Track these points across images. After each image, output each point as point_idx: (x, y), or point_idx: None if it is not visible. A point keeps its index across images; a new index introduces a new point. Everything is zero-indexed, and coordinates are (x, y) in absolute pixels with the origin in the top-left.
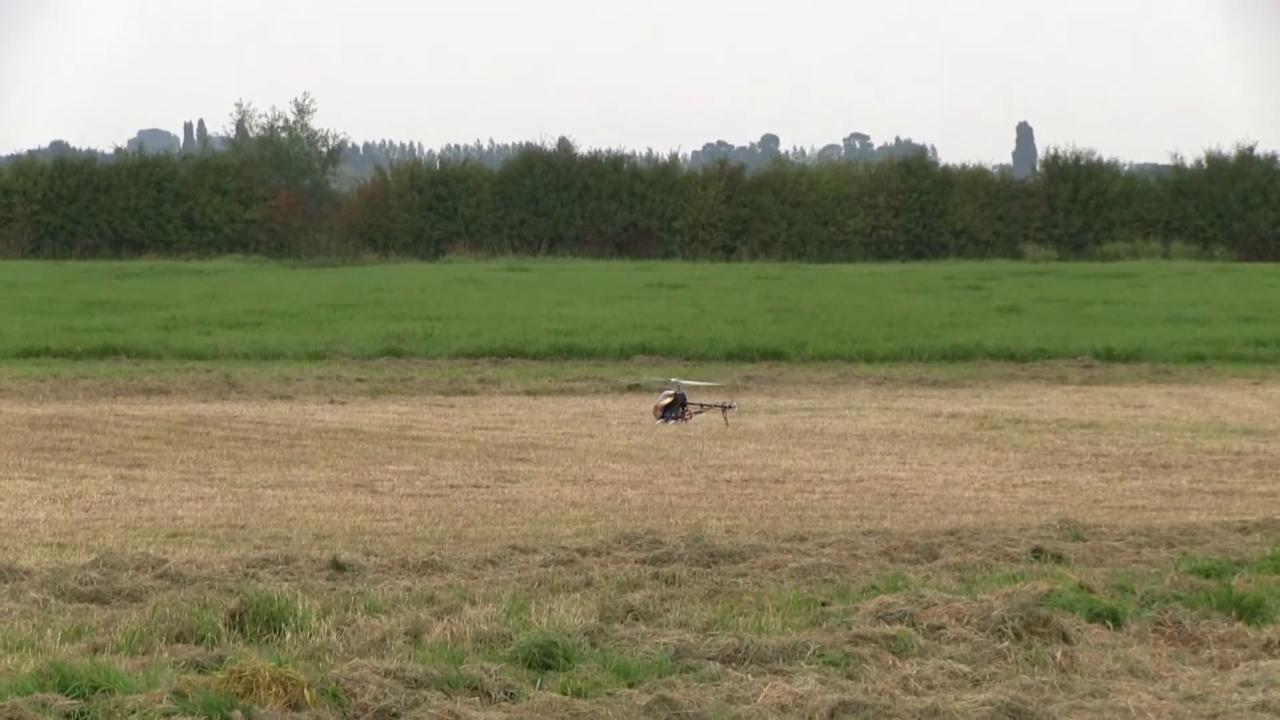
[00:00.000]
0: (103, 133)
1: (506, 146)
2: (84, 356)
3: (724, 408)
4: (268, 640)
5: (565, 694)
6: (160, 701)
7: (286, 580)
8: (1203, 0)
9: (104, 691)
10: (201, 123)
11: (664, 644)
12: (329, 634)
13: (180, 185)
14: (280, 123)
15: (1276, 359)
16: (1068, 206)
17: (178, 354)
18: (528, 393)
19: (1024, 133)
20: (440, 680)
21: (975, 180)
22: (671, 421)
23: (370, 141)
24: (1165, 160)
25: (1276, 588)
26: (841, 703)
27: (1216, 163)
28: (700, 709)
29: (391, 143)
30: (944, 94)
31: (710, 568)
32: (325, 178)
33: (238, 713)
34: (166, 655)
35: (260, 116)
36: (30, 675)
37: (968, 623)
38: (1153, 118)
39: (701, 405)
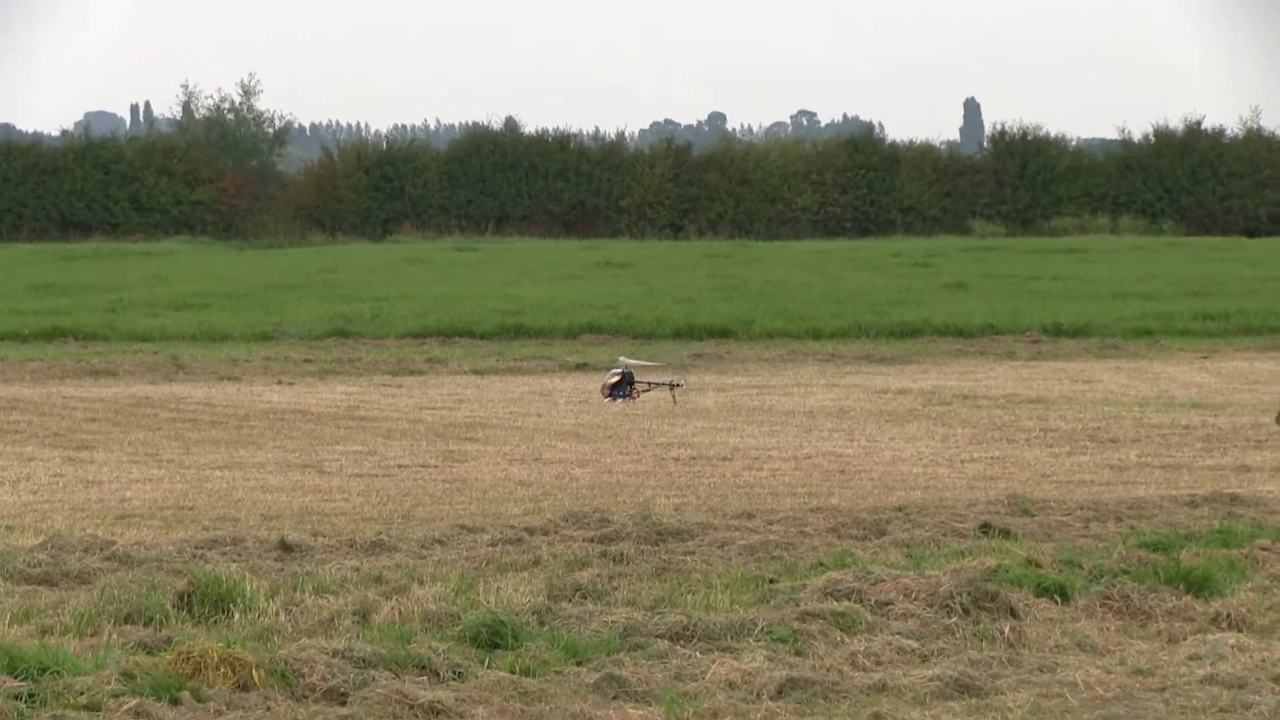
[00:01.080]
0: (49, 115)
1: (453, 126)
2: (31, 339)
3: (672, 386)
4: (216, 621)
5: (514, 673)
6: (109, 683)
7: (235, 561)
8: None
9: (52, 673)
10: (148, 105)
11: (612, 622)
12: (277, 614)
13: (127, 167)
14: (226, 104)
15: (1224, 333)
16: (1015, 182)
17: (125, 336)
18: (475, 372)
19: (971, 108)
20: (389, 660)
21: (922, 157)
22: (619, 400)
23: (317, 122)
24: (1113, 134)
25: (1224, 561)
26: (790, 679)
27: (1164, 137)
28: (648, 686)
29: (338, 123)
30: (891, 71)
31: (658, 546)
32: (272, 159)
33: (186, 693)
34: (115, 637)
35: (206, 98)
36: None
37: (916, 599)
38: (1100, 92)
39: (649, 384)
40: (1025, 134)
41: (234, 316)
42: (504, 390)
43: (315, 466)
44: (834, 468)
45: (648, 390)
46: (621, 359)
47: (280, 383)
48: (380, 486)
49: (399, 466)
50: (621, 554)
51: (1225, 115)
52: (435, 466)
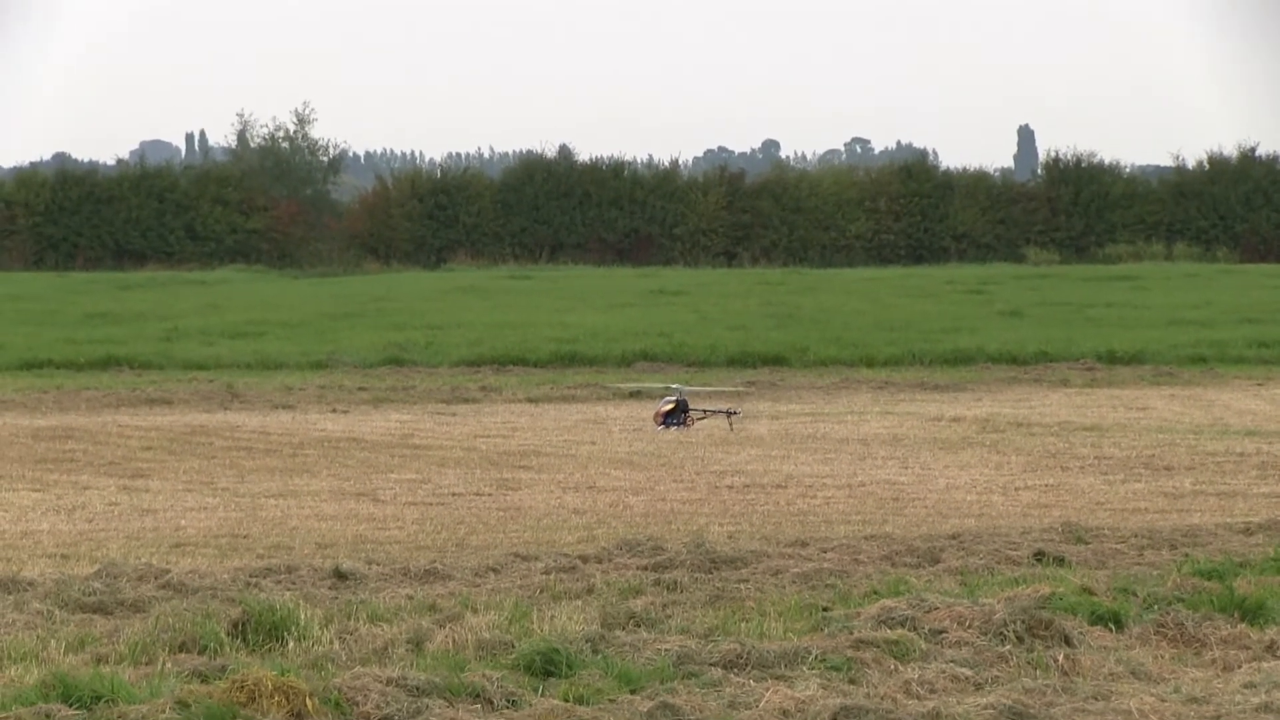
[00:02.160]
0: (104, 144)
1: (507, 154)
2: (86, 368)
3: (728, 414)
4: (270, 649)
5: (567, 701)
6: (163, 711)
7: (289, 589)
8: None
9: (107, 702)
10: (203, 133)
11: (666, 650)
12: (331, 643)
13: (182, 196)
14: (281, 133)
15: (1279, 360)
16: (1069, 209)
17: (180, 364)
18: (529, 400)
19: (1025, 135)
20: (442, 688)
21: (976, 184)
22: (673, 428)
23: (371, 150)
24: (1167, 162)
25: (1279, 589)
26: (843, 707)
27: (1218, 164)
28: (702, 715)
29: (393, 151)
30: (945, 97)
31: (712, 574)
32: (326, 187)
33: None
34: (169, 665)
35: (261, 127)
36: (34, 686)
37: (970, 626)
38: (1154, 119)
39: (705, 411)
40: (1079, 161)
41: (288, 345)
42: (558, 418)
43: (369, 494)
44: (888, 495)
45: (703, 418)
46: (675, 386)
47: (335, 411)
48: (434, 515)
49: (453, 494)
50: (675, 582)
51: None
52: (489, 494)
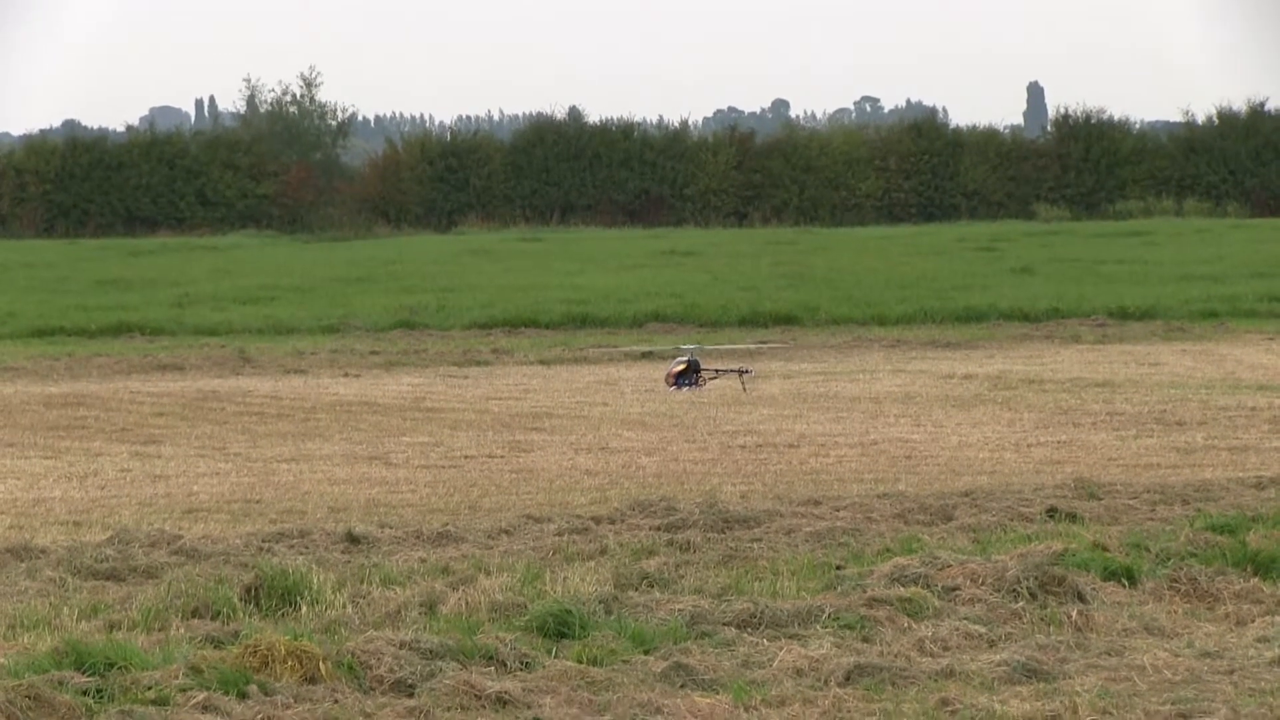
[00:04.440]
0: (114, 111)
1: (517, 117)
2: (98, 334)
3: (740, 372)
4: (283, 614)
5: (581, 662)
6: (176, 677)
7: (301, 554)
8: None
9: (120, 668)
10: (212, 99)
11: (679, 610)
12: (344, 607)
13: (192, 162)
14: (289, 97)
15: None
16: (1079, 166)
17: (191, 330)
18: (541, 362)
19: (1035, 92)
20: (456, 651)
21: (986, 141)
22: (685, 388)
23: (381, 114)
24: (1177, 117)
25: None
26: (857, 665)
27: (1228, 119)
28: (716, 674)
29: (402, 115)
30: (954, 55)
31: (725, 533)
32: (336, 151)
33: (254, 687)
34: (182, 631)
35: (269, 91)
36: (47, 653)
37: (983, 583)
38: (1163, 74)
39: (717, 370)
40: (1089, 117)
41: (300, 310)
42: (570, 380)
43: (382, 458)
44: (900, 453)
45: (715, 378)
46: (686, 347)
47: (347, 375)
48: (447, 477)
49: (465, 457)
50: (688, 542)
51: None
52: (502, 457)
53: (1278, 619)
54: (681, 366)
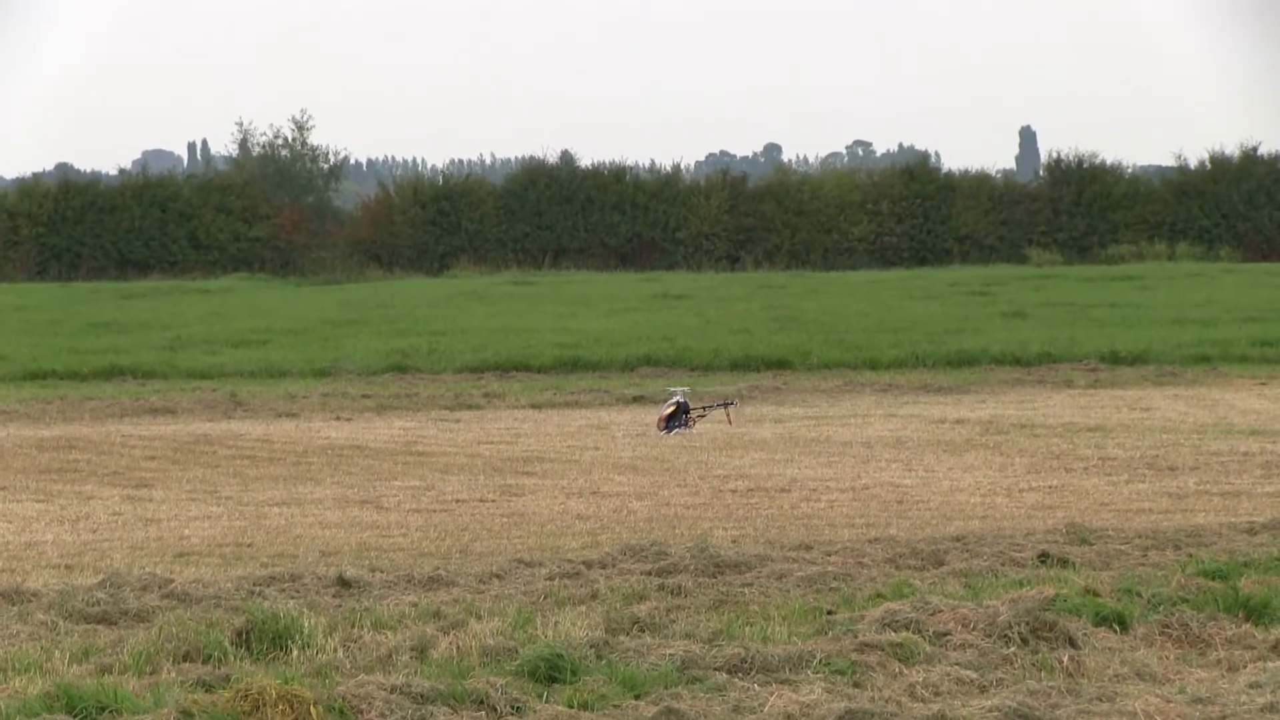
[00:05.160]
0: (107, 154)
1: (509, 160)
2: (90, 378)
3: (725, 405)
4: (274, 658)
5: (571, 707)
6: None
7: (293, 598)
8: (1208, 4)
9: (111, 712)
10: (205, 142)
11: (670, 655)
12: (335, 651)
13: (184, 205)
14: (281, 140)
15: None
16: (1071, 210)
17: (183, 373)
18: (533, 406)
19: (1027, 136)
20: (447, 695)
21: (978, 185)
22: (675, 431)
23: (373, 158)
24: (1169, 161)
25: None
26: (848, 711)
27: (1220, 163)
28: (707, 719)
29: (394, 158)
30: (947, 99)
31: (716, 578)
32: (328, 194)
33: None
34: (174, 674)
35: (261, 134)
36: (38, 697)
37: (974, 629)
38: (1156, 119)
39: (704, 409)
40: (1081, 162)
41: (292, 353)
42: (561, 424)
43: (373, 502)
44: (892, 498)
45: (703, 416)
46: (672, 389)
47: (338, 418)
48: (438, 521)
49: (457, 501)
50: (679, 586)
51: None
52: (493, 501)
53: (1270, 665)
54: (671, 409)
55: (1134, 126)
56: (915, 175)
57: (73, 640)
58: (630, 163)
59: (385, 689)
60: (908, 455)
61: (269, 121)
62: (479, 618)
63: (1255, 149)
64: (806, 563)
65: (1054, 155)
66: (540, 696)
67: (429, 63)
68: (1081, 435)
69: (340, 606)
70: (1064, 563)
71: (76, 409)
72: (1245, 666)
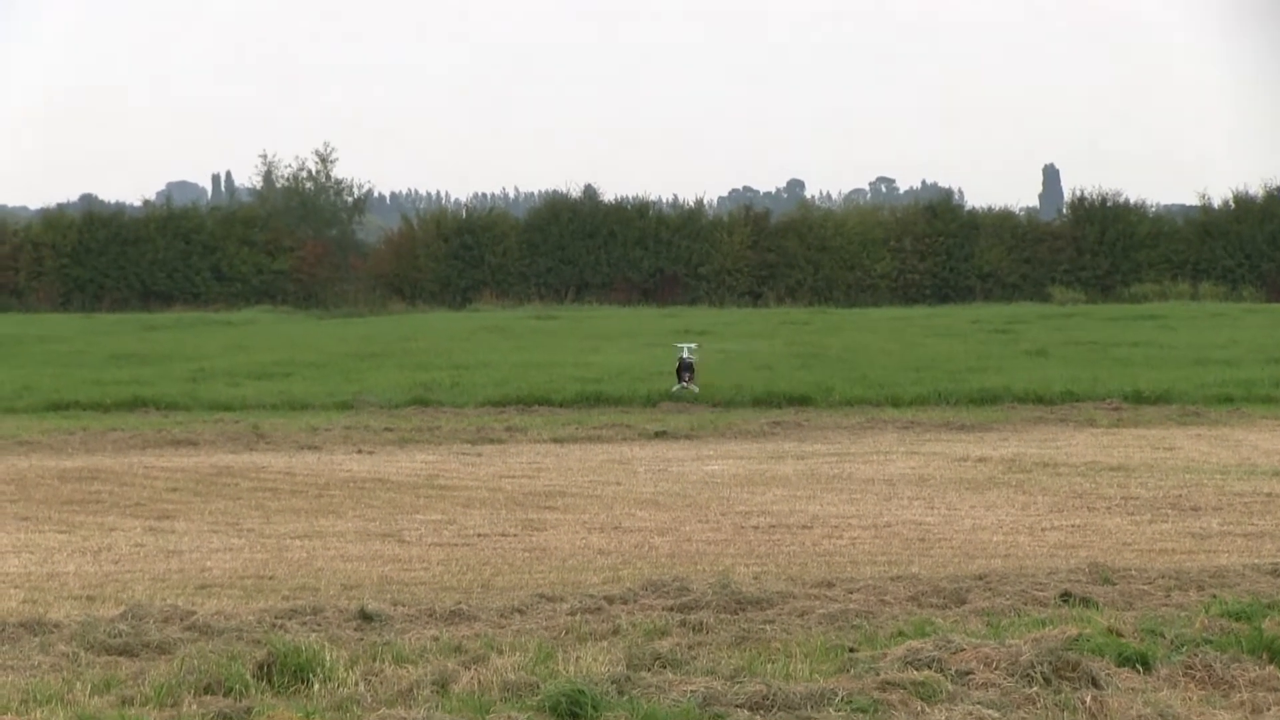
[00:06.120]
0: (131, 186)
1: (532, 194)
2: (113, 409)
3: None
4: (295, 691)
5: None
6: None
7: (314, 631)
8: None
9: None
10: (229, 174)
11: (691, 691)
12: (356, 684)
13: (208, 237)
14: (305, 173)
15: None
16: (1094, 248)
17: (206, 405)
18: (555, 440)
19: (1050, 175)
20: None
21: (1001, 223)
22: (678, 387)
23: (397, 191)
24: (1193, 201)
25: None
26: None
27: (1244, 203)
28: None
29: (418, 192)
30: (970, 137)
31: (738, 614)
32: (352, 227)
33: None
34: (195, 707)
35: (285, 167)
36: None
37: (996, 668)
38: (1180, 159)
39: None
40: (1104, 200)
41: (314, 385)
42: (583, 458)
43: (395, 535)
44: (914, 536)
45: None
46: (679, 344)
47: (360, 451)
48: (460, 555)
49: (478, 535)
50: (701, 623)
51: None
52: (515, 535)
53: None
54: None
55: (1157, 166)
56: (938, 212)
57: (94, 672)
58: (653, 198)
59: None
60: (930, 493)
61: (293, 154)
62: (500, 653)
63: (1279, 189)
64: (828, 600)
65: (1077, 193)
66: None
67: (453, 96)
68: (1104, 474)
69: (361, 640)
70: (1087, 602)
71: (99, 440)
72: (1269, 709)
